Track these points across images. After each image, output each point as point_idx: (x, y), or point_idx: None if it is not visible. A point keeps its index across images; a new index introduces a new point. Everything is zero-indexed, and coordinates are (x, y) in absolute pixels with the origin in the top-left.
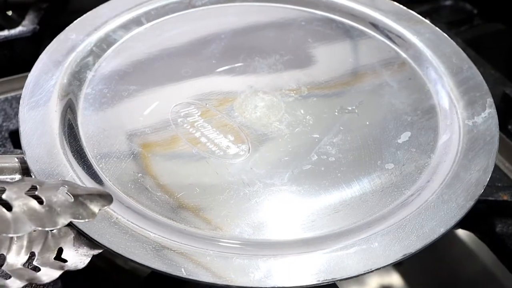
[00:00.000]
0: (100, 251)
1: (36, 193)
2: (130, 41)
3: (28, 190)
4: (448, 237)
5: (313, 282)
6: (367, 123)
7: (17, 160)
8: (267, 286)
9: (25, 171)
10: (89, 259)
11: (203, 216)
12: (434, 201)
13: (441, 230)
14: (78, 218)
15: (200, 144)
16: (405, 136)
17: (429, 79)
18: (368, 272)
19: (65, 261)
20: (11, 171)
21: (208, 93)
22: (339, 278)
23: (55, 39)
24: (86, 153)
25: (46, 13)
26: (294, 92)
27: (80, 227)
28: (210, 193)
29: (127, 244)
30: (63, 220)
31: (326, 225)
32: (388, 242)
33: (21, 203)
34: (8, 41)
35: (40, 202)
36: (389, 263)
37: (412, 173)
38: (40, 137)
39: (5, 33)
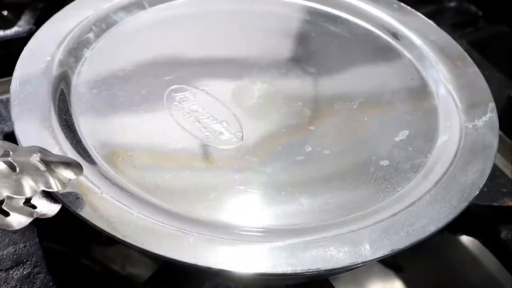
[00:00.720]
0: None
1: (9, 159)
2: (130, 23)
3: (1, 156)
4: (452, 243)
5: (297, 271)
6: (365, 119)
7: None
8: (249, 272)
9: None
10: (59, 207)
11: (190, 199)
12: (427, 200)
13: (432, 228)
14: (49, 187)
15: (193, 128)
16: (403, 135)
17: (432, 80)
18: (354, 266)
19: (34, 207)
20: None
21: (206, 79)
22: (323, 269)
23: (54, 16)
24: (76, 129)
25: (42, 13)
26: (294, 83)
27: (64, 200)
28: (199, 177)
29: (110, 220)
30: (35, 188)
31: (315, 216)
32: (377, 236)
33: None
34: (4, 41)
35: (13, 168)
36: (376, 257)
37: (407, 171)
38: (31, 110)
39: (0, 33)
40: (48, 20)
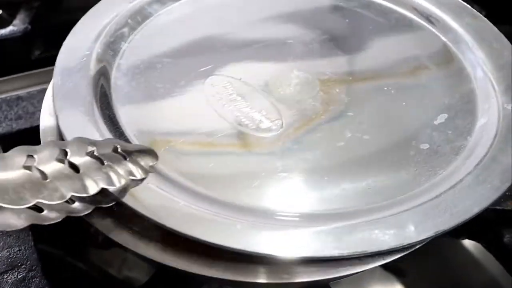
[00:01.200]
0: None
1: (95, 153)
2: (165, 15)
3: (88, 151)
4: (454, 247)
5: (344, 254)
6: (403, 103)
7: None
8: (296, 256)
9: None
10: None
11: (234, 186)
12: (469, 182)
13: (475, 209)
14: (133, 176)
15: (233, 117)
16: (441, 118)
17: (469, 63)
18: (400, 249)
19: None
20: None
21: (242, 68)
22: (370, 251)
23: (90, 11)
24: (118, 121)
25: (38, 12)
26: (330, 71)
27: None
28: (242, 165)
29: (158, 209)
30: (123, 177)
31: (358, 200)
32: (421, 218)
33: (83, 161)
34: None
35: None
36: (421, 239)
37: (447, 154)
38: (73, 104)
39: None
40: (85, 15)
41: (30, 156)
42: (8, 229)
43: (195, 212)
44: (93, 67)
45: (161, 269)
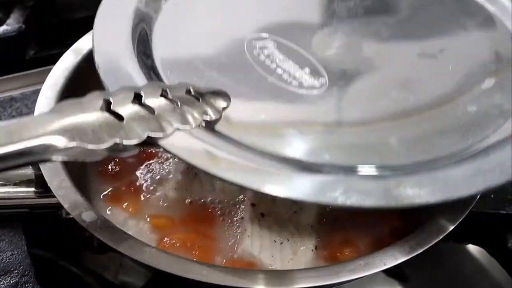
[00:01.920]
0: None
1: (169, 96)
2: None
3: (161, 94)
4: (457, 252)
5: (391, 204)
6: (450, 68)
7: None
8: (345, 204)
9: None
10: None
11: (279, 139)
12: None
13: None
14: (207, 116)
15: (275, 74)
16: (489, 83)
17: None
18: (450, 201)
19: None
20: None
21: (286, 28)
22: (418, 203)
23: None
24: (161, 76)
25: (32, 11)
26: (374, 34)
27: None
28: (287, 120)
29: (203, 157)
30: (198, 118)
31: (406, 156)
32: (470, 174)
33: (158, 103)
34: None
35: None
36: (471, 193)
37: (494, 115)
38: (113, 58)
39: None
40: None
41: (106, 100)
42: (88, 160)
43: (240, 162)
44: (134, 21)
45: (157, 274)
